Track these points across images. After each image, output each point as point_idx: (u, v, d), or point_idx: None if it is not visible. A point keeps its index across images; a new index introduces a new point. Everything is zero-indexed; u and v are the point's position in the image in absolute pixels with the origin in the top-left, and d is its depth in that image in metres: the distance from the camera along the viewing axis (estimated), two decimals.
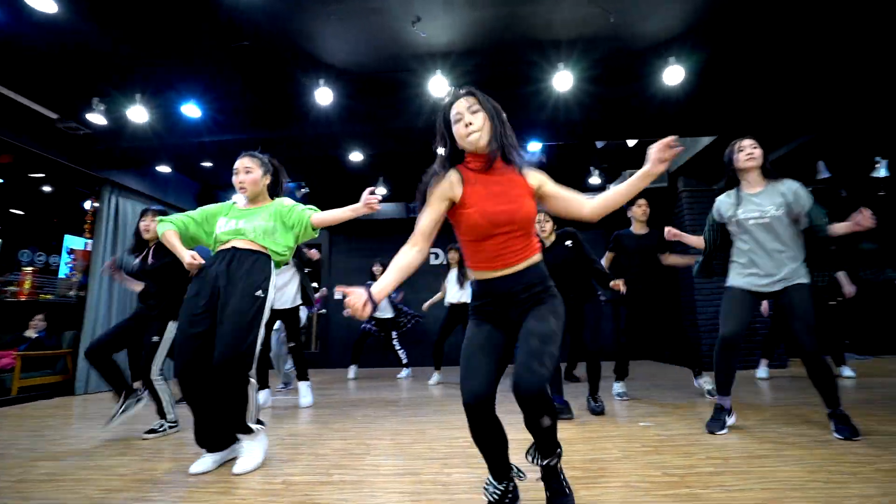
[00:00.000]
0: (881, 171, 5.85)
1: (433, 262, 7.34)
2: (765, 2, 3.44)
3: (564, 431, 2.66)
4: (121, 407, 2.86)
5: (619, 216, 4.05)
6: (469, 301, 2.32)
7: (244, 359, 2.02)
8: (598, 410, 3.07)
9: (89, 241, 5.31)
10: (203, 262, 2.22)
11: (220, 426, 2.17)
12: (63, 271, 5.21)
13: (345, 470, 2.08)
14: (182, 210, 6.24)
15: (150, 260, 2.92)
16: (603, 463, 2.05)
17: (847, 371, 4.37)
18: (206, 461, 2.12)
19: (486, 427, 1.39)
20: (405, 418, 3.21)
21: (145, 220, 3.02)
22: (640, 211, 3.69)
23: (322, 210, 2.37)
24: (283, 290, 3.82)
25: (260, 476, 2.03)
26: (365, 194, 2.23)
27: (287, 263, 2.50)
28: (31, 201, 6.59)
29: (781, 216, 2.43)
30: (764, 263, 2.45)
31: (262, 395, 3.70)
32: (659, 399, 3.61)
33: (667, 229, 3.01)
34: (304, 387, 3.87)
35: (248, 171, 2.30)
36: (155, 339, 2.82)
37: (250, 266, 2.15)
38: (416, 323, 5.90)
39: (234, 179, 2.30)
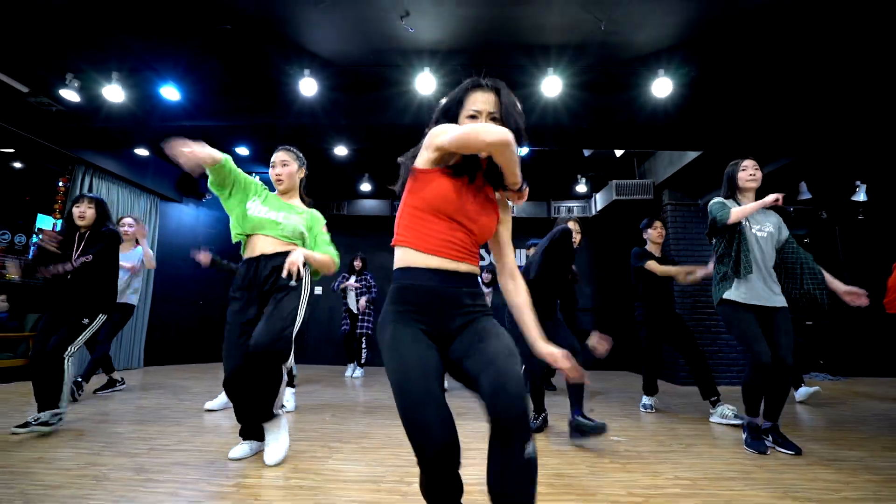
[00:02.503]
0: (860, 195, 5.94)
1: None
2: (753, 23, 3.45)
3: (535, 443, 2.61)
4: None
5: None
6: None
7: (279, 348, 2.03)
8: (598, 429, 2.53)
9: (58, 222, 5.12)
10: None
11: (258, 417, 2.23)
12: (32, 251, 5.01)
13: (303, 474, 1.99)
14: (161, 195, 6.17)
15: (81, 251, 2.77)
16: (569, 479, 2.01)
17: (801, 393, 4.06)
18: (244, 447, 2.25)
19: (451, 481, 1.10)
20: (375, 420, 3.13)
21: (80, 206, 2.84)
22: (655, 233, 3.78)
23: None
24: None
25: (212, 476, 1.94)
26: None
27: None
28: None
29: (775, 236, 2.59)
30: (764, 277, 2.52)
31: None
32: (634, 411, 3.59)
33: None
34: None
35: (285, 164, 2.38)
36: (85, 321, 2.68)
37: (281, 265, 2.18)
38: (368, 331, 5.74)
39: (271, 172, 2.39)
